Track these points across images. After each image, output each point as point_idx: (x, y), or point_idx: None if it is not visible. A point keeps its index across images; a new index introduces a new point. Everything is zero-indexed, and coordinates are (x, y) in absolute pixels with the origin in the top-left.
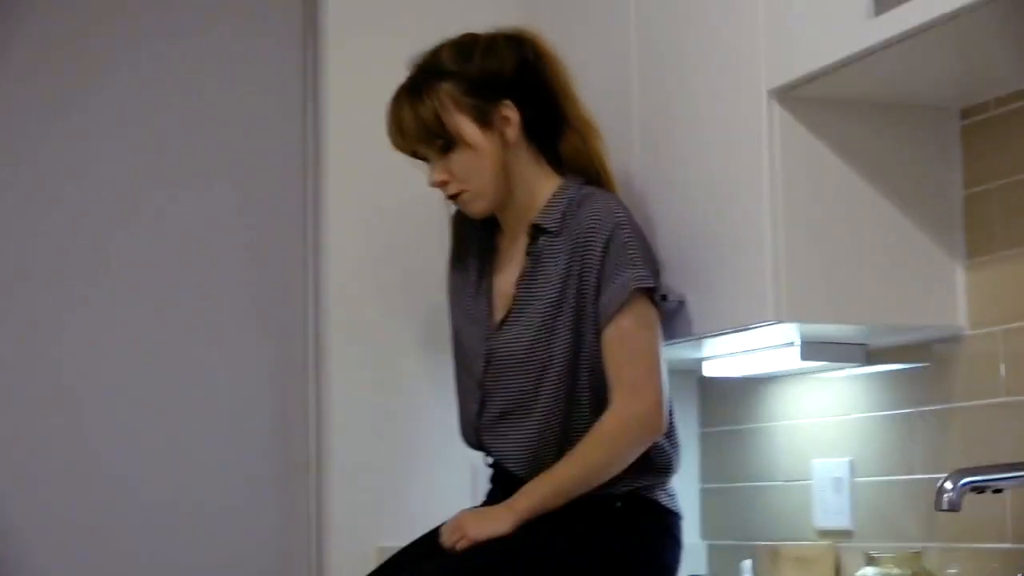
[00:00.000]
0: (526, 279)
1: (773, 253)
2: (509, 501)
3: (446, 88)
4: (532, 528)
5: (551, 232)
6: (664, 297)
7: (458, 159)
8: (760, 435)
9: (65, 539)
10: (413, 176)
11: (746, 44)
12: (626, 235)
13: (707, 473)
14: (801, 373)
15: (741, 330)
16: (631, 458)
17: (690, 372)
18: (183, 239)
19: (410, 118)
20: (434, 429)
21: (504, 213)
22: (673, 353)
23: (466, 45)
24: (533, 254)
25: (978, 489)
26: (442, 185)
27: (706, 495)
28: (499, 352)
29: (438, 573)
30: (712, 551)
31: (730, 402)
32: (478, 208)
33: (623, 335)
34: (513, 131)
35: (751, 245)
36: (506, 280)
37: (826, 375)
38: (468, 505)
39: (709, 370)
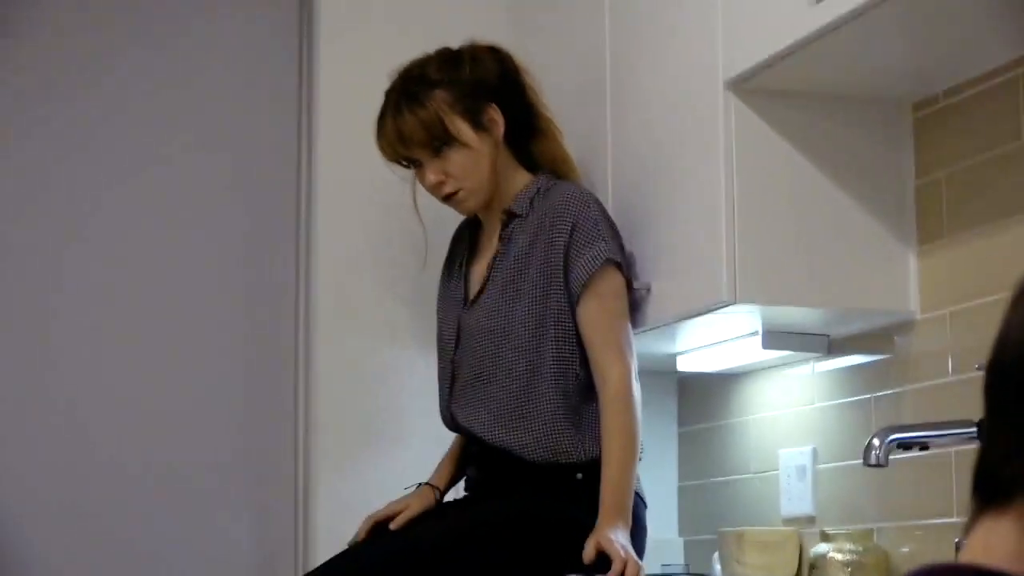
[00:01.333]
0: (497, 260)
1: (729, 239)
2: (608, 512)
3: (441, 95)
4: (490, 503)
5: (521, 216)
6: (630, 284)
7: (454, 160)
8: (732, 430)
9: (56, 525)
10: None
11: (704, 36)
12: (594, 214)
13: (684, 471)
14: (769, 367)
15: (701, 313)
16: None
17: (669, 373)
18: (174, 230)
19: (412, 124)
20: (419, 417)
21: (485, 210)
22: (649, 349)
23: (451, 57)
24: (504, 238)
25: (904, 446)
26: (438, 186)
27: (683, 493)
28: (467, 327)
29: (396, 549)
30: (689, 546)
31: (705, 400)
32: (472, 205)
33: (601, 304)
34: (499, 132)
35: (709, 232)
36: (481, 266)
37: (793, 369)
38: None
39: (684, 365)
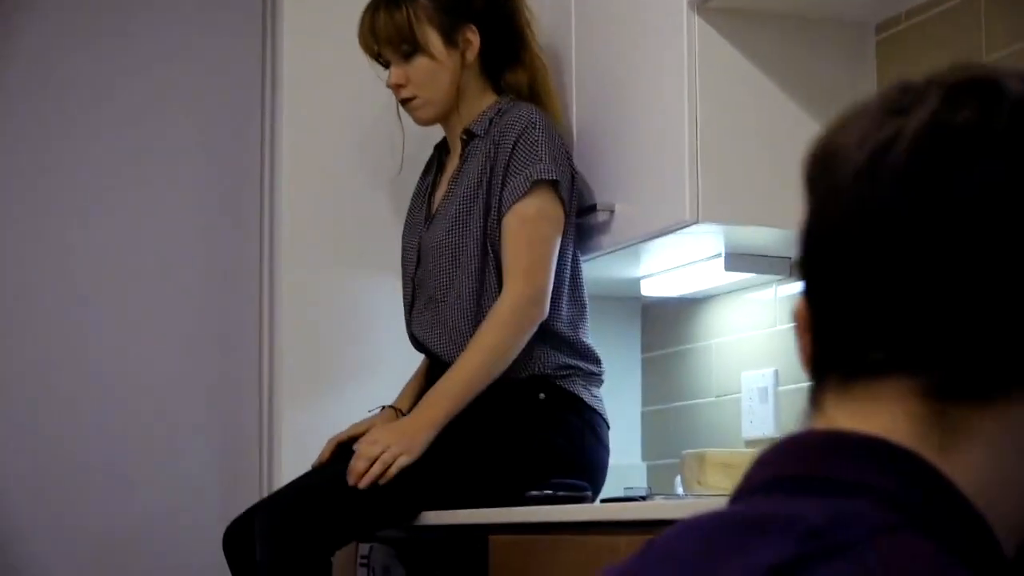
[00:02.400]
0: (455, 179)
1: (691, 159)
2: (424, 412)
3: (423, 3)
4: (453, 425)
5: (478, 136)
6: (593, 207)
7: (418, 67)
8: (695, 354)
9: (48, 516)
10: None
11: None
12: (536, 134)
13: (648, 396)
14: (733, 290)
15: (665, 234)
16: (523, 339)
17: (633, 299)
18: (141, 216)
19: (384, 22)
20: (387, 344)
21: (449, 129)
22: (612, 274)
23: None
24: (463, 156)
25: None
26: (397, 88)
27: (646, 418)
28: (425, 245)
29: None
30: (652, 470)
31: (669, 325)
32: (425, 115)
33: (522, 224)
34: (472, 53)
35: (672, 152)
36: (443, 187)
37: (755, 294)
38: None
39: (647, 289)
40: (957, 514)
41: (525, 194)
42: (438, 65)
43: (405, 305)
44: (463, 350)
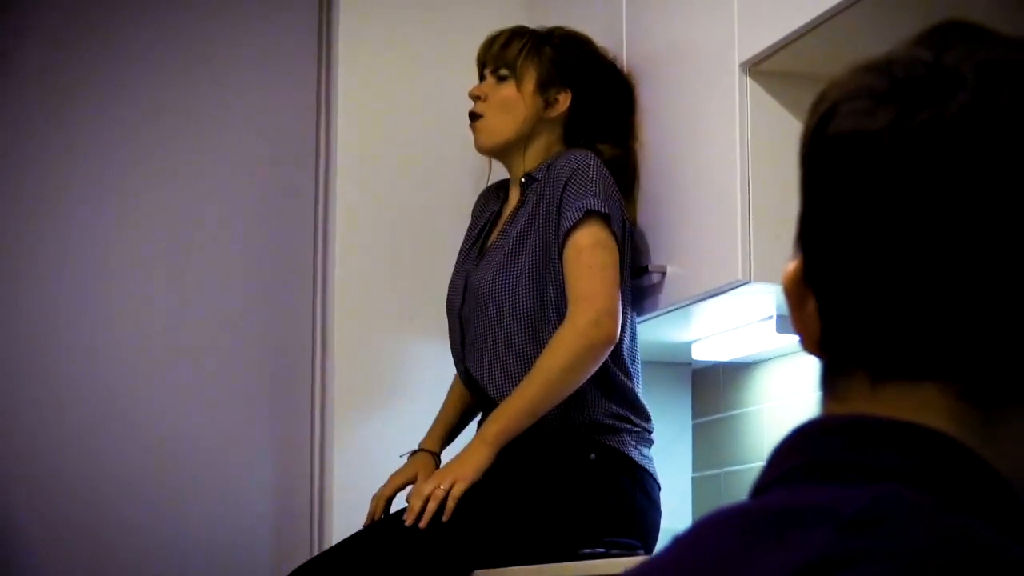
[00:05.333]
0: (510, 220)
1: (743, 218)
2: (479, 433)
3: (545, 50)
4: (505, 483)
5: (537, 180)
6: (645, 268)
7: (502, 91)
8: (746, 419)
9: (68, 529)
10: (424, 169)
11: (720, 19)
12: (591, 172)
13: (699, 461)
14: (783, 355)
15: (717, 294)
16: (589, 364)
17: (684, 365)
18: (192, 232)
19: (502, 43)
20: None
21: (511, 172)
22: (663, 337)
23: (581, 41)
24: (521, 200)
25: None
26: (474, 99)
27: (697, 483)
28: (473, 282)
29: (402, 538)
30: None
31: (720, 390)
32: (483, 141)
33: (580, 252)
34: (554, 112)
35: (724, 213)
36: (499, 227)
37: (806, 356)
38: None
39: (698, 353)
40: (997, 495)
41: (578, 225)
42: (518, 99)
43: (454, 342)
44: (514, 386)
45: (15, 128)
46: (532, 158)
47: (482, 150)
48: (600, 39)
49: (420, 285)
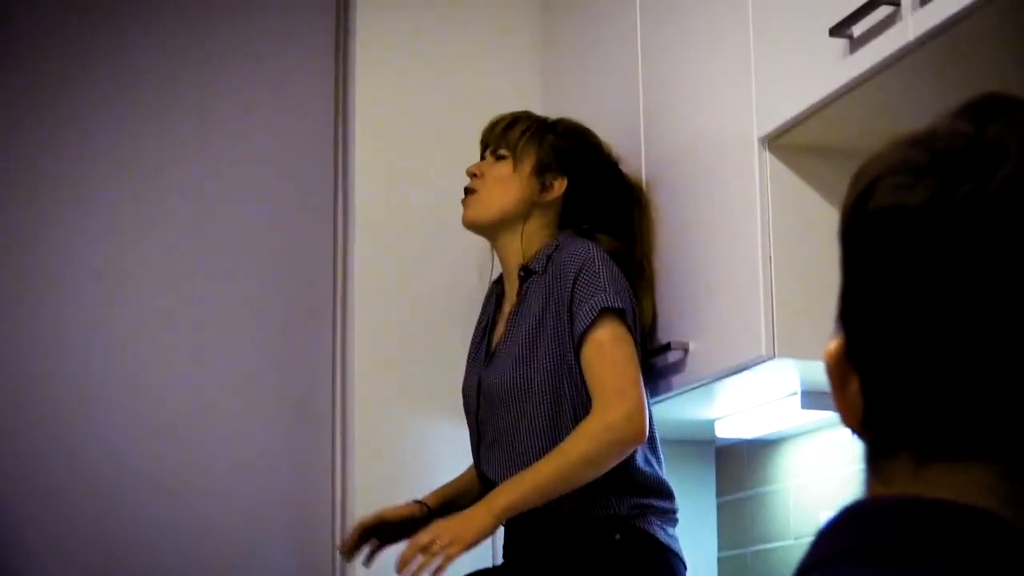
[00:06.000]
0: (514, 316)
1: (766, 293)
2: (487, 499)
3: (548, 136)
4: (532, 566)
5: (537, 273)
6: (667, 346)
7: (497, 168)
8: (772, 497)
9: (74, 537)
10: (443, 197)
11: (738, 93)
12: (596, 267)
13: (724, 540)
14: (809, 431)
15: (740, 371)
16: (613, 458)
17: (707, 443)
18: (210, 249)
19: (505, 125)
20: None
21: (504, 261)
22: (686, 415)
23: (583, 133)
24: (521, 294)
25: None
26: (471, 176)
27: (723, 563)
28: (487, 384)
29: None
30: None
31: (744, 468)
32: (471, 215)
33: (601, 349)
34: (549, 196)
35: (746, 288)
36: (502, 324)
37: (831, 433)
38: None
39: (722, 431)
40: None
41: (594, 323)
42: (513, 179)
43: (472, 444)
44: None
45: (36, 130)
46: (526, 242)
47: (469, 223)
48: (617, 111)
49: (442, 295)
